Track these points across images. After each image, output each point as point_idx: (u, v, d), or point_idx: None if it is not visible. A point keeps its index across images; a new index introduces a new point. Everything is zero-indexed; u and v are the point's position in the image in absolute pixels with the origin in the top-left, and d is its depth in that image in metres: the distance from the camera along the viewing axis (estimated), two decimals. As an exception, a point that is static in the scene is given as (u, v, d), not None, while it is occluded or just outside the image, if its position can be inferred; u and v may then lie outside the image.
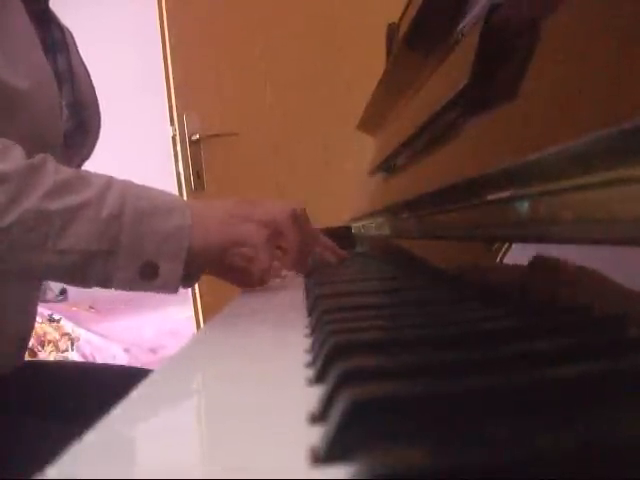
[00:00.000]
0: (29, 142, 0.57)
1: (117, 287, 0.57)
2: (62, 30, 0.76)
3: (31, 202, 0.53)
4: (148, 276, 0.56)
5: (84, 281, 0.57)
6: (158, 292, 0.58)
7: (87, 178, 0.57)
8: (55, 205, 0.54)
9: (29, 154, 0.56)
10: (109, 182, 0.57)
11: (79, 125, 0.74)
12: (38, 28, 0.69)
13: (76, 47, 0.80)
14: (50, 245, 0.54)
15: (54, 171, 0.55)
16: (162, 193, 0.61)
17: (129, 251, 0.55)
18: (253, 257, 0.61)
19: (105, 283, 0.57)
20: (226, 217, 0.60)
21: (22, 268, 0.55)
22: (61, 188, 0.54)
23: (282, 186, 1.87)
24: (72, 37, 0.80)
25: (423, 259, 0.66)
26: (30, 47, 0.65)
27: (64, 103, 0.72)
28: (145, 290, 0.57)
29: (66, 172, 0.56)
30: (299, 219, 0.63)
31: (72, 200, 0.54)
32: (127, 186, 0.58)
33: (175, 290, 0.58)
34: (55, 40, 0.73)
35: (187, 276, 0.70)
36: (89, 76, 0.81)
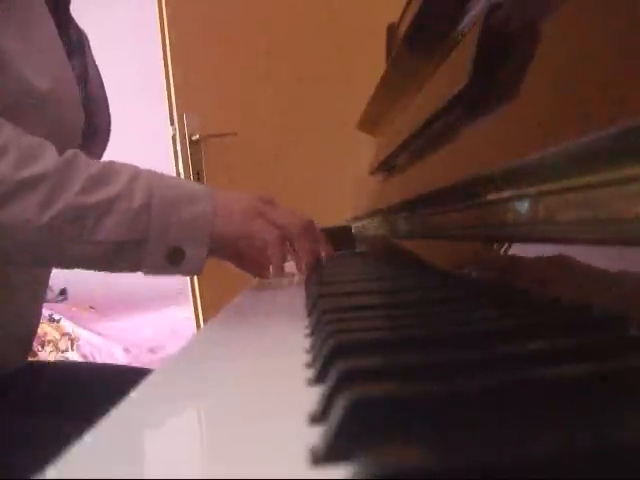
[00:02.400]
0: (52, 141, 0.59)
1: (146, 272, 0.61)
2: (79, 32, 0.78)
3: (69, 198, 0.56)
4: (175, 261, 0.60)
5: (114, 267, 0.61)
6: (184, 275, 0.63)
7: (115, 169, 0.60)
8: (90, 199, 0.57)
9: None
10: (136, 173, 0.60)
11: (90, 126, 0.75)
12: (59, 30, 0.70)
13: (90, 49, 0.81)
14: (86, 237, 0.57)
15: (86, 165, 0.58)
16: (186, 182, 0.67)
17: (157, 238, 0.59)
18: (263, 250, 0.65)
19: (135, 268, 0.61)
20: (247, 209, 0.64)
21: (58, 259, 0.60)
22: (94, 182, 0.58)
23: (282, 186, 1.87)
24: (87, 40, 0.81)
25: (423, 259, 0.66)
26: (54, 48, 0.67)
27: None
28: (172, 274, 0.61)
29: (96, 165, 0.59)
30: (310, 230, 0.68)
31: (105, 193, 0.58)
32: (153, 176, 0.61)
33: (201, 271, 0.62)
34: (72, 42, 0.75)
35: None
36: (100, 78, 0.82)
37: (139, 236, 0.59)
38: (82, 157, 0.59)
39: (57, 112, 0.64)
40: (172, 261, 0.60)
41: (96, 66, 0.82)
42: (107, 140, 0.82)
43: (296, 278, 0.74)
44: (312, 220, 0.69)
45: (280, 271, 0.65)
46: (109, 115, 0.82)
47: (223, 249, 0.67)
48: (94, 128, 0.76)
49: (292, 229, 0.65)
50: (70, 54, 0.72)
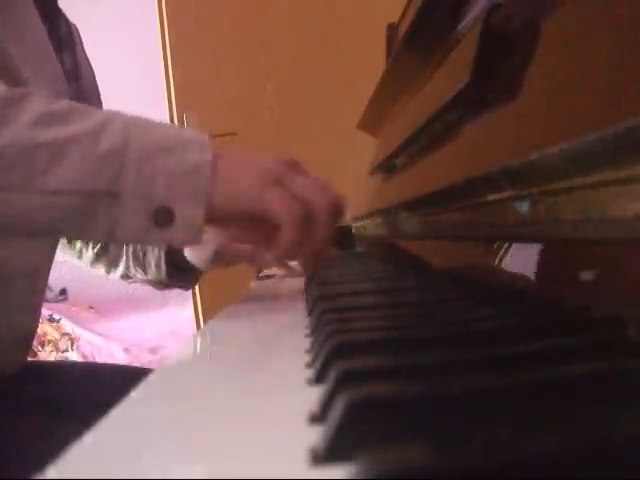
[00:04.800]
0: None
1: (128, 237, 0.49)
2: (69, 26, 0.75)
3: (13, 131, 0.45)
4: (163, 223, 0.48)
5: (87, 231, 0.49)
6: (177, 244, 0.50)
7: (86, 109, 0.49)
8: (41, 136, 0.45)
9: None
10: (113, 115, 0.49)
11: None
12: (47, 24, 0.67)
13: (81, 43, 0.79)
14: (36, 184, 0.45)
15: (41, 101, 0.48)
16: (178, 128, 0.52)
17: (136, 192, 0.47)
18: (274, 229, 0.50)
19: (113, 233, 0.48)
20: (261, 173, 0.50)
21: (6, 216, 0.46)
22: (51, 118, 0.47)
23: (282, 186, 1.87)
24: (78, 33, 0.78)
25: (423, 259, 0.66)
26: (46, 52, 0.64)
27: None
28: (162, 240, 0.49)
29: (61, 103, 0.49)
30: (338, 213, 0.53)
31: (63, 131, 0.46)
32: (134, 120, 0.50)
33: (197, 239, 0.49)
34: (62, 36, 0.71)
35: (186, 272, 0.64)
36: (93, 74, 0.80)
37: (108, 187, 0.46)
38: (39, 96, 0.48)
39: None
40: (159, 223, 0.48)
41: (88, 60, 0.79)
42: None
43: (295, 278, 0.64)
44: (343, 199, 0.54)
45: (285, 262, 0.54)
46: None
47: (225, 220, 0.53)
48: None
49: (318, 206, 0.50)
50: (60, 49, 0.70)
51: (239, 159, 0.51)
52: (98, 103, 0.79)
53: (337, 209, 0.53)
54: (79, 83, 0.73)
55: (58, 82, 0.65)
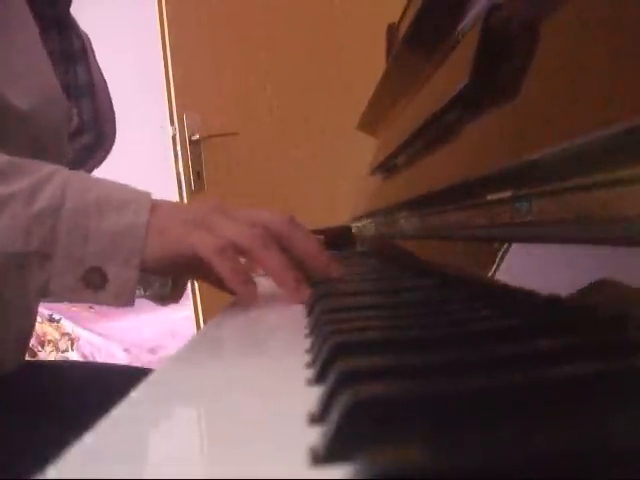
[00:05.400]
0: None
1: (59, 297, 0.49)
2: (81, 38, 0.73)
3: None
4: (95, 285, 0.47)
5: (20, 289, 0.49)
6: (109, 305, 0.49)
7: (25, 167, 0.48)
8: None
9: None
10: (52, 173, 0.48)
11: (97, 139, 0.72)
12: (57, 36, 0.66)
13: (94, 55, 0.76)
14: None
15: None
16: (118, 186, 0.51)
17: (68, 254, 0.47)
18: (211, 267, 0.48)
19: (43, 292, 0.48)
20: (187, 220, 0.49)
21: None
22: None
23: (282, 186, 1.87)
24: (90, 44, 0.76)
25: (423, 259, 0.66)
26: (37, 64, 0.62)
27: (85, 118, 0.68)
28: (93, 303, 0.49)
29: (0, 160, 0.48)
30: (278, 234, 0.50)
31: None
32: (74, 177, 0.49)
33: (130, 302, 0.49)
34: (75, 50, 0.69)
35: (172, 286, 0.62)
36: (106, 85, 0.78)
37: (39, 248, 0.46)
38: None
39: (33, 134, 0.57)
40: (91, 285, 0.47)
41: (101, 72, 0.78)
42: (111, 147, 0.78)
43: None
44: (288, 220, 0.51)
45: (243, 290, 0.49)
46: (114, 123, 0.77)
47: (169, 269, 0.53)
48: (99, 138, 0.73)
49: (243, 239, 0.48)
50: (73, 63, 0.68)
51: (171, 210, 0.51)
52: (111, 116, 0.77)
53: (268, 231, 0.49)
54: (95, 97, 0.71)
55: (49, 90, 0.63)
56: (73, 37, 0.70)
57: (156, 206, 0.50)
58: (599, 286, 0.27)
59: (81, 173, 0.51)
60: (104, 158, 0.77)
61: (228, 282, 0.48)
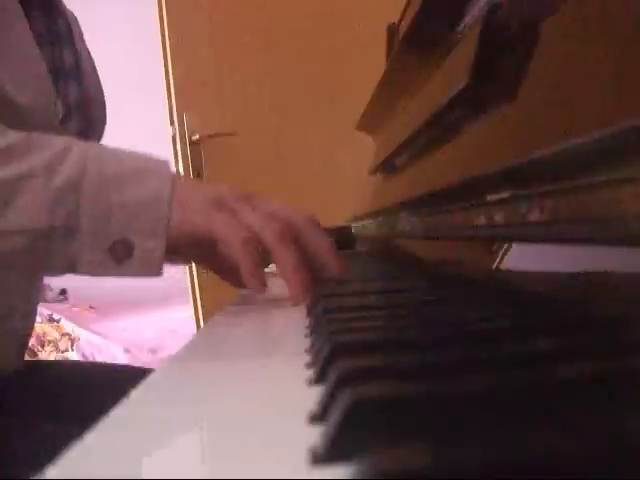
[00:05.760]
0: None
1: (86, 272, 0.48)
2: (67, 20, 0.71)
3: None
4: (122, 257, 0.47)
5: (46, 266, 0.49)
6: (138, 276, 0.48)
7: (40, 142, 0.48)
8: None
9: None
10: (68, 145, 0.48)
11: (85, 120, 0.71)
12: (42, 18, 0.64)
13: (81, 36, 0.75)
14: None
15: None
16: (137, 155, 0.50)
17: (93, 227, 0.46)
18: (230, 254, 0.48)
19: (71, 268, 0.48)
20: (210, 200, 0.48)
21: None
22: (6, 153, 0.46)
23: (282, 186, 1.87)
24: (79, 26, 0.75)
25: (423, 259, 0.66)
26: (31, 57, 0.61)
27: (72, 103, 0.67)
28: (122, 275, 0.48)
29: (12, 136, 0.47)
30: (299, 235, 0.50)
31: (17, 168, 0.45)
32: (91, 149, 0.48)
33: (158, 272, 0.48)
34: (61, 32, 0.68)
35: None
36: (95, 68, 0.77)
37: (65, 223, 0.45)
38: None
39: (31, 128, 0.55)
40: (118, 258, 0.47)
41: (90, 56, 0.76)
42: (102, 133, 0.76)
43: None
44: (309, 219, 0.51)
45: (256, 283, 0.48)
46: (104, 107, 0.76)
47: (184, 248, 0.52)
48: (89, 123, 0.72)
49: (266, 232, 0.47)
50: (59, 46, 0.66)
51: (192, 185, 0.50)
52: (101, 101, 0.76)
53: (291, 231, 0.49)
54: (82, 80, 0.70)
55: (42, 82, 0.62)
56: (58, 18, 0.68)
57: (176, 178, 0.49)
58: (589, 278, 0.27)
59: (96, 145, 0.50)
60: (99, 139, 0.75)
61: (246, 275, 0.48)
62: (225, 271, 0.56)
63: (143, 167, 0.48)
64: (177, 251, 0.52)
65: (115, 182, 0.47)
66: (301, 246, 0.50)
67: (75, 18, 0.76)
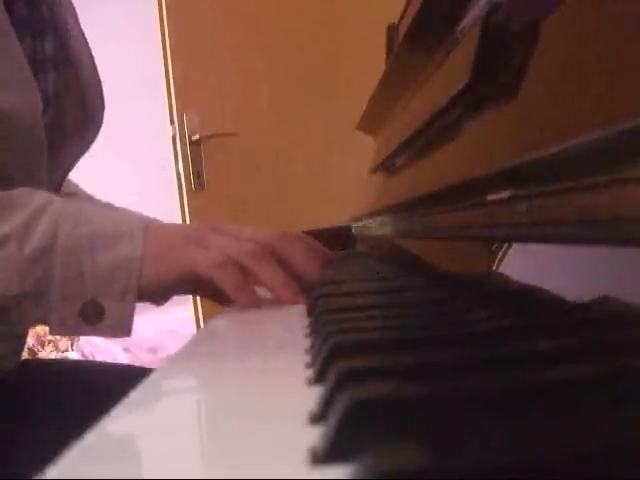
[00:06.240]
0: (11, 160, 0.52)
1: (57, 332, 0.49)
2: (52, 9, 0.68)
3: None
4: (92, 319, 0.48)
5: (16, 324, 0.50)
6: (108, 337, 0.50)
7: (14, 203, 0.48)
8: None
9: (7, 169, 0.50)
10: (42, 206, 0.48)
11: (84, 112, 0.69)
12: (25, 6, 0.62)
13: (78, 24, 0.73)
14: None
15: None
16: (110, 216, 0.51)
17: (63, 292, 0.47)
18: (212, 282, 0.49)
19: (44, 324, 0.49)
20: (180, 240, 0.49)
21: None
22: None
23: (282, 186, 1.87)
24: (73, 13, 0.72)
25: (423, 259, 0.66)
26: (13, 58, 0.59)
27: (49, 94, 0.65)
28: (92, 335, 0.49)
29: None
30: (276, 250, 0.51)
31: None
32: (65, 210, 0.49)
33: (128, 332, 0.49)
34: (45, 19, 0.65)
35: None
36: (92, 59, 0.75)
37: (35, 289, 0.46)
38: None
39: (14, 133, 0.56)
40: (88, 319, 0.47)
41: (86, 43, 0.74)
42: (99, 126, 0.75)
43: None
44: (281, 235, 0.52)
45: (247, 298, 0.49)
46: (103, 99, 0.75)
47: (172, 291, 0.53)
48: (87, 115, 0.71)
49: (242, 255, 0.48)
50: (40, 37, 0.64)
51: (162, 233, 0.51)
52: (99, 92, 0.74)
53: (264, 248, 0.50)
54: (73, 67, 0.68)
55: (26, 83, 0.60)
56: (43, 7, 0.66)
57: (150, 232, 0.50)
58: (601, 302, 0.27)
59: (72, 203, 0.51)
60: (93, 139, 0.74)
61: (231, 295, 0.48)
62: (219, 297, 0.57)
63: (116, 230, 0.49)
64: (167, 294, 0.54)
65: (86, 247, 0.47)
66: (283, 261, 0.51)
67: (72, 7, 0.73)
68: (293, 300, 0.49)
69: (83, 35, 0.75)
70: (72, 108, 0.70)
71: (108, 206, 0.52)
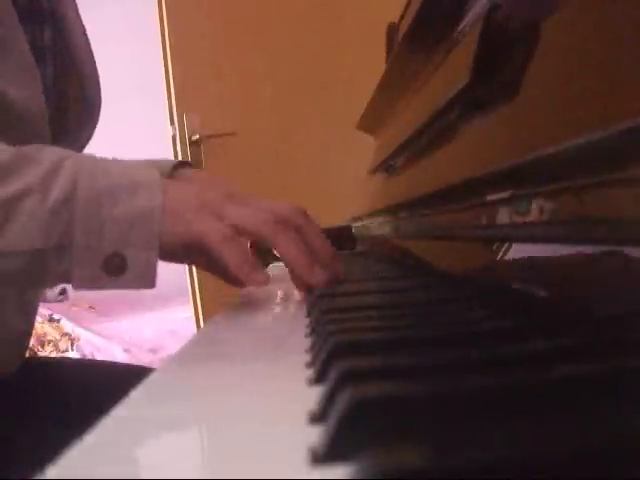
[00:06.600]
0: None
1: (80, 287, 0.48)
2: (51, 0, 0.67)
3: None
4: (115, 271, 0.47)
5: (38, 284, 0.50)
6: (132, 288, 0.49)
7: (33, 156, 0.47)
8: None
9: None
10: (60, 159, 0.47)
11: (84, 101, 0.69)
12: None
13: (77, 12, 0.72)
14: None
15: None
16: (128, 167, 0.50)
17: (86, 244, 0.46)
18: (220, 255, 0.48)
19: (68, 281, 0.48)
20: (201, 205, 0.48)
21: None
22: (1, 172, 0.46)
23: (282, 186, 1.87)
24: (75, 6, 0.72)
25: (423, 259, 0.66)
26: (21, 48, 0.60)
27: (47, 83, 0.64)
28: (116, 288, 0.48)
29: (8, 153, 0.47)
30: (293, 223, 0.49)
31: (9, 190, 0.45)
32: (82, 162, 0.48)
33: (152, 284, 0.49)
34: (44, 8, 0.65)
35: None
36: (90, 48, 0.74)
37: (58, 241, 0.46)
38: None
39: (24, 123, 0.57)
40: (111, 271, 0.47)
41: (86, 34, 0.74)
42: (98, 116, 0.74)
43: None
44: (298, 211, 0.50)
45: (250, 276, 0.48)
46: (99, 88, 0.74)
47: (178, 254, 0.52)
48: (88, 103, 0.71)
49: (260, 225, 0.48)
50: (39, 26, 0.64)
51: (180, 192, 0.50)
52: (96, 81, 0.74)
53: (285, 219, 0.49)
54: (71, 59, 0.68)
55: (32, 71, 0.60)
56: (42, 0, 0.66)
57: (168, 187, 0.49)
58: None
59: (88, 156, 0.50)
60: (92, 132, 0.74)
61: (234, 271, 0.48)
62: (222, 272, 0.57)
63: (134, 180, 0.48)
64: (172, 257, 0.52)
65: (106, 197, 0.47)
66: (300, 237, 0.49)
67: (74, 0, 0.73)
68: (310, 274, 0.48)
69: (84, 31, 0.75)
70: (74, 103, 0.70)
71: (123, 162, 0.51)
